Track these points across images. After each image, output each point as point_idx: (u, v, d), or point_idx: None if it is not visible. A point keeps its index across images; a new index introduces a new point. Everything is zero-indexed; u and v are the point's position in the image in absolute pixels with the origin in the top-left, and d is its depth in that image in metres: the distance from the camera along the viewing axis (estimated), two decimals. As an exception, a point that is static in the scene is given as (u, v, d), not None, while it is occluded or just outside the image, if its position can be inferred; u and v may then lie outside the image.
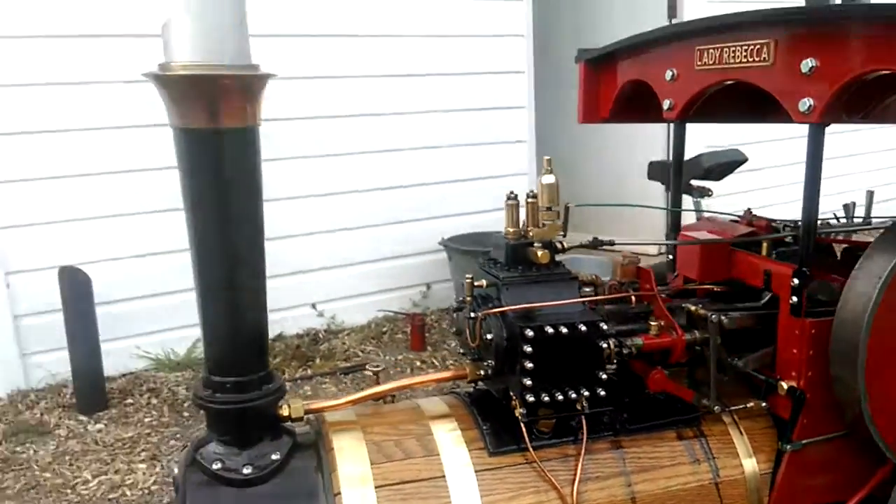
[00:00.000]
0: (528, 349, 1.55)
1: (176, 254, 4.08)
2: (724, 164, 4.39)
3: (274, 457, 1.54)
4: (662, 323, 1.69)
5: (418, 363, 4.29)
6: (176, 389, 3.90)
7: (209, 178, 1.30)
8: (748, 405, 1.74)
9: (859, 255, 1.63)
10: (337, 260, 4.65)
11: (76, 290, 3.60)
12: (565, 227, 1.66)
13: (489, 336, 1.58)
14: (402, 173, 4.75)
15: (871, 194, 2.21)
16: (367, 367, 1.88)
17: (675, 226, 2.10)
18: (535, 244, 1.63)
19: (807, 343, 1.66)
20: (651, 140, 5.76)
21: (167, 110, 1.26)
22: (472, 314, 1.62)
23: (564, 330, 1.56)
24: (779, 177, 6.18)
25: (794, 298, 1.65)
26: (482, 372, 1.66)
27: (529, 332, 1.53)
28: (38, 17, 3.66)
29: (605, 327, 1.59)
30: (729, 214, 2.21)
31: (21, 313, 3.80)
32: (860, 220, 2.17)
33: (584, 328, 1.57)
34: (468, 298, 1.65)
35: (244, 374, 1.49)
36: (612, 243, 1.79)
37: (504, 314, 1.57)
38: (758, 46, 1.52)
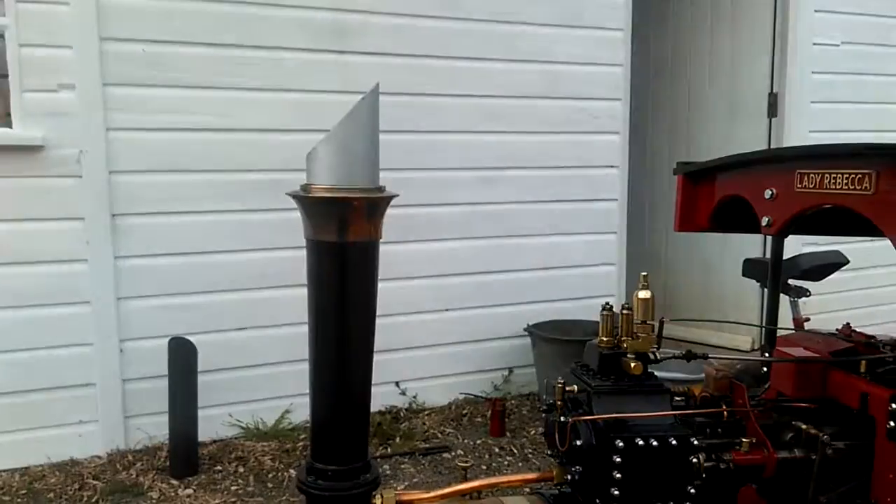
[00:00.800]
0: (618, 459, 1.58)
1: (272, 328, 4.31)
2: (824, 266, 4.31)
3: (365, 543, 1.61)
4: (755, 440, 1.69)
5: (496, 449, 4.28)
6: (262, 459, 4.02)
7: (332, 281, 1.44)
8: None
9: None
10: (423, 340, 4.76)
11: (182, 359, 3.82)
12: (659, 341, 1.70)
13: (578, 442, 1.62)
14: (491, 259, 4.87)
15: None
16: (455, 458, 1.93)
17: (770, 338, 2.10)
18: (629, 355, 1.67)
19: (905, 469, 1.62)
20: (746, 236, 5.70)
21: (303, 223, 1.41)
22: (563, 419, 1.66)
23: (654, 442, 1.59)
24: (880, 278, 5.99)
25: (892, 423, 1.63)
26: (569, 477, 1.70)
27: (620, 443, 1.57)
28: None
29: (695, 441, 1.60)
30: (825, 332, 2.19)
31: (129, 377, 4.04)
32: None
33: (674, 441, 1.59)
34: (559, 402, 1.69)
35: (344, 464, 1.58)
36: (705, 357, 1.81)
37: (595, 422, 1.61)
38: (859, 176, 1.56)
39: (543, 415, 1.78)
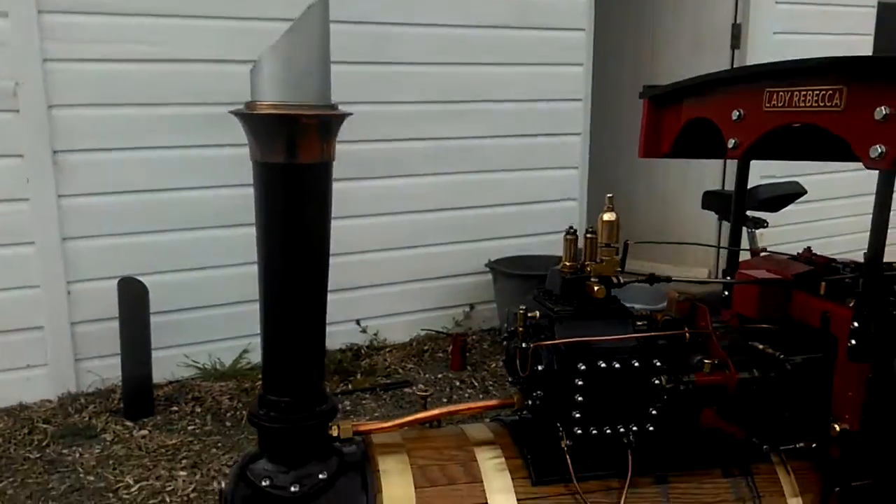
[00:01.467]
0: (580, 382, 1.55)
1: (227, 268, 4.20)
2: (782, 197, 4.33)
3: (321, 476, 1.56)
4: (716, 361, 1.67)
5: (458, 383, 4.29)
6: (220, 399, 3.96)
7: (281, 207, 1.36)
8: (798, 445, 1.72)
9: None
10: (383, 278, 4.70)
11: (133, 299, 3.70)
12: (623, 264, 1.65)
13: (540, 367, 1.58)
14: (453, 196, 4.79)
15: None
16: (416, 390, 1.89)
17: (732, 262, 2.08)
18: (592, 279, 1.62)
19: (863, 386, 1.63)
20: (705, 169, 5.72)
21: (249, 144, 1.31)
22: (524, 344, 1.62)
23: (616, 364, 1.56)
24: (837, 209, 6.07)
25: (853, 342, 1.63)
26: (530, 402, 1.66)
27: (581, 366, 1.53)
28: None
29: (658, 363, 1.58)
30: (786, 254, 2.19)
31: (78, 319, 3.91)
32: None
33: (636, 363, 1.56)
34: (520, 329, 1.65)
35: (298, 395, 1.51)
36: (668, 280, 1.78)
37: (557, 346, 1.57)
38: (829, 92, 1.51)
39: (504, 343, 1.74)
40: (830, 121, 1.53)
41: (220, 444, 3.53)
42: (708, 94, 1.94)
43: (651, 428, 1.62)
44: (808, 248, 2.20)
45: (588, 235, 1.67)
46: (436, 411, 1.73)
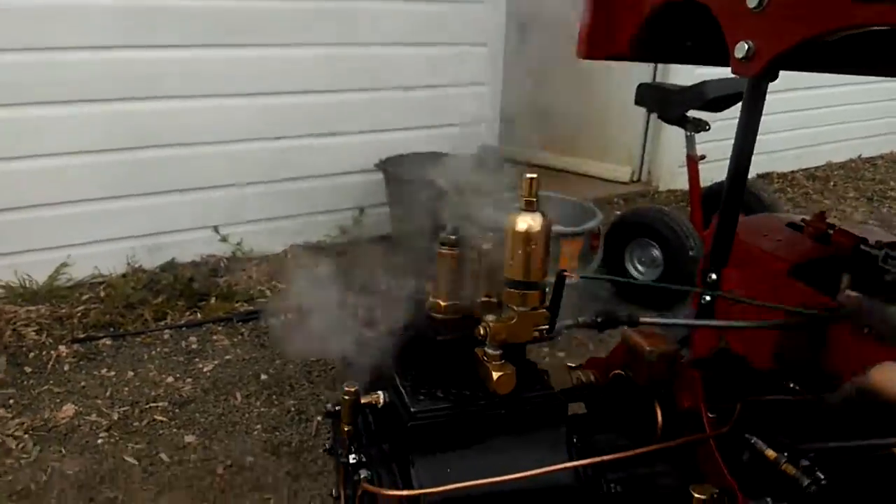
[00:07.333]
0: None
1: (36, 158, 3.23)
2: (732, 96, 3.64)
3: None
4: (716, 492, 0.93)
5: (338, 312, 3.53)
6: (25, 331, 3.09)
7: None
8: None
9: None
10: (249, 175, 3.79)
11: None
12: (554, 316, 0.87)
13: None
14: (337, 74, 3.83)
15: None
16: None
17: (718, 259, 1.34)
18: (489, 351, 0.84)
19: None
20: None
21: None
22: (352, 460, 0.84)
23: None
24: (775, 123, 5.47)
25: None
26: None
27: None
28: None
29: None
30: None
31: None
32: None
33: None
34: (345, 430, 0.86)
35: None
36: (633, 323, 1.01)
37: (414, 500, 0.80)
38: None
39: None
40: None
41: (11, 403, 2.70)
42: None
43: None
44: (822, 213, 1.50)
45: (484, 247, 0.87)
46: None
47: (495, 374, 0.82)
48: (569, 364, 1.07)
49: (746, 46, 1.08)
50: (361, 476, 0.82)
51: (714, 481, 0.94)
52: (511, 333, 0.82)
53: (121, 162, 3.40)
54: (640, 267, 3.70)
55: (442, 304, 0.87)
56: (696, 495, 0.89)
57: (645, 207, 4.41)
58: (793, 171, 6.26)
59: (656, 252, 3.61)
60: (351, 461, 0.84)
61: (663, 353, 0.99)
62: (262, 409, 2.77)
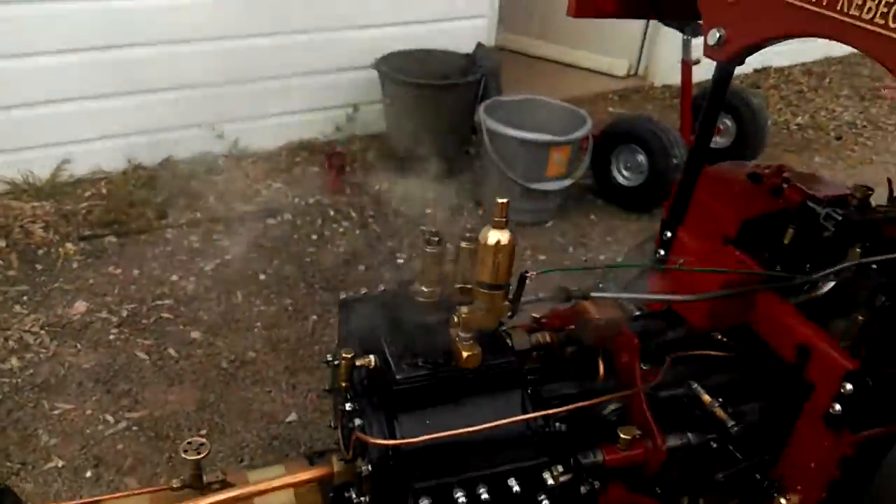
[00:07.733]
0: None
1: (32, 57, 3.24)
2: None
3: None
4: (638, 433, 1.12)
5: (332, 211, 3.66)
6: (32, 228, 3.22)
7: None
8: None
9: None
10: (244, 72, 3.79)
11: None
12: (515, 307, 1.01)
13: (368, 467, 1.00)
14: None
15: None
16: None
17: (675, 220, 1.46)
18: (461, 335, 0.99)
19: (834, 461, 1.16)
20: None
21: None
22: (348, 408, 1.01)
23: (484, 495, 0.99)
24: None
25: (837, 407, 1.12)
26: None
27: (427, 501, 0.96)
28: None
29: (549, 480, 1.02)
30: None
31: None
32: None
33: (517, 488, 1.00)
34: (342, 385, 1.03)
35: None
36: (585, 297, 1.16)
37: (394, 450, 0.98)
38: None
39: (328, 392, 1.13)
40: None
41: (26, 300, 2.87)
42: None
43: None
44: (780, 166, 1.61)
45: (464, 245, 1.00)
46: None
47: (465, 354, 0.98)
48: (532, 316, 1.23)
49: (718, 34, 1.17)
50: (356, 424, 0.99)
51: (640, 424, 1.13)
52: (479, 322, 0.98)
53: (115, 60, 3.41)
54: (625, 172, 3.80)
55: (425, 290, 1.02)
56: (623, 435, 1.08)
57: (633, 115, 4.44)
58: (790, 66, 6.21)
59: (642, 157, 3.70)
60: (347, 408, 1.02)
61: (609, 319, 1.16)
62: (262, 308, 2.96)
